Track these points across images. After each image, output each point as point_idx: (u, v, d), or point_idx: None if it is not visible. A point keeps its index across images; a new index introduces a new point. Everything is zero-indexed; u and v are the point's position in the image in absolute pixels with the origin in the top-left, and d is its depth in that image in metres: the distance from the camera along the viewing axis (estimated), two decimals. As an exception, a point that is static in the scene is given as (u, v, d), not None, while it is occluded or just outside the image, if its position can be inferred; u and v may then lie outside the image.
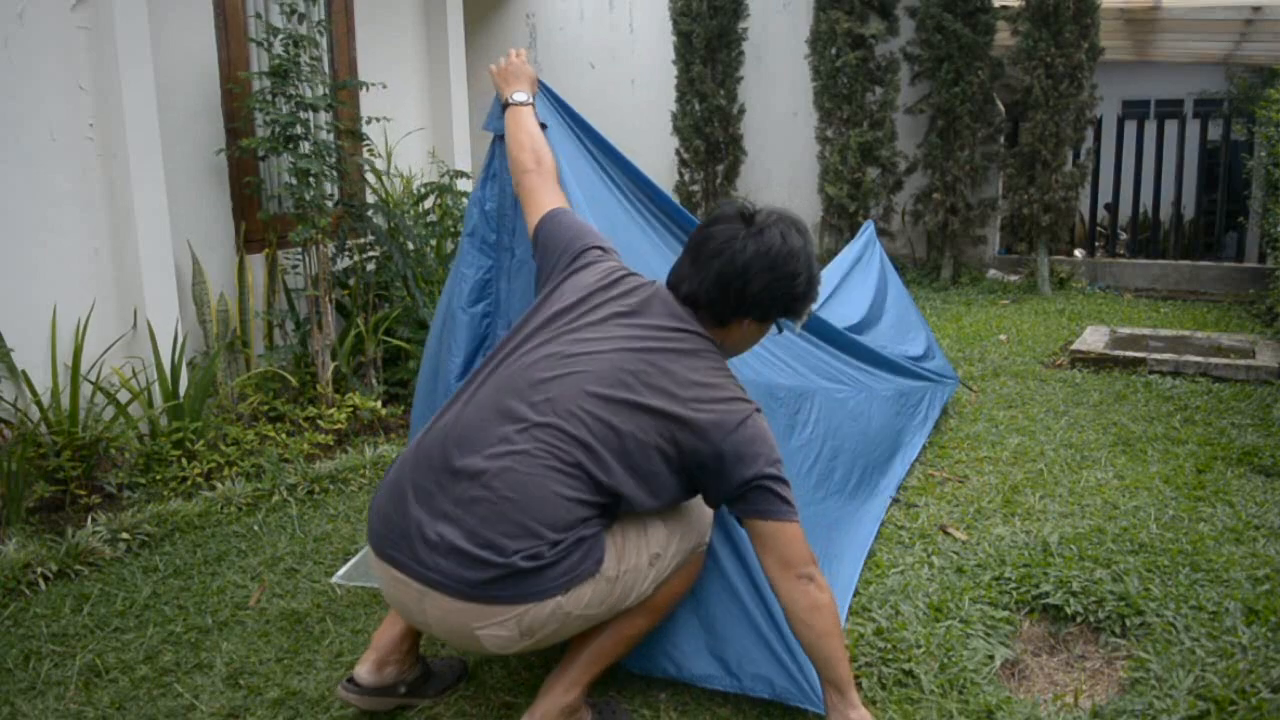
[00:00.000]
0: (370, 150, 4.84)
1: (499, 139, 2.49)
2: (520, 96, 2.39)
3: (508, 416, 1.82)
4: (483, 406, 1.87)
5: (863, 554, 2.81)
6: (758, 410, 1.91)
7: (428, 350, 2.68)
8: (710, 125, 8.64)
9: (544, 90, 2.51)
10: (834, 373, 3.27)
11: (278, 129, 4.26)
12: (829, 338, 3.38)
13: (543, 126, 2.42)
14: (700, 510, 2.07)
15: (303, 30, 4.34)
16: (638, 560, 1.90)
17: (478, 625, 1.77)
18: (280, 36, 4.26)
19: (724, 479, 1.86)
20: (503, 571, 1.72)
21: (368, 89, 4.77)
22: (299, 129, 4.30)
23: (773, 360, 2.89)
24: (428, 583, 1.77)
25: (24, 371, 3.47)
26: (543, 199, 2.24)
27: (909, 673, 2.23)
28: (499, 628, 1.76)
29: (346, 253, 4.73)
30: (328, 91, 4.57)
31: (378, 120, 4.78)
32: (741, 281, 1.92)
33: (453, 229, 4.98)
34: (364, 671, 2.12)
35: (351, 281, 4.77)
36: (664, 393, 1.85)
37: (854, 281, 4.21)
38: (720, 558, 2.18)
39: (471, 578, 1.73)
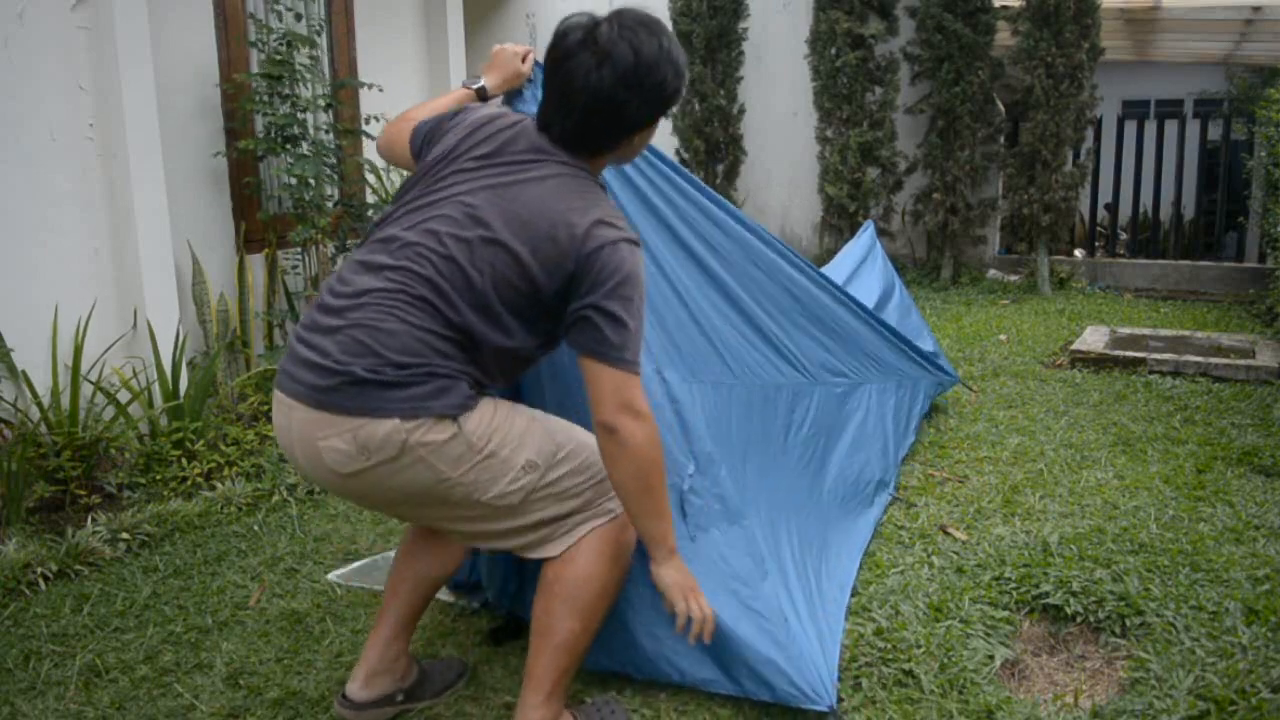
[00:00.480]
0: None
1: None
2: (478, 83, 2.33)
3: (370, 267, 1.85)
4: (353, 264, 1.90)
5: (860, 552, 2.81)
6: (629, 242, 1.81)
7: None
8: (710, 125, 8.64)
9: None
10: (835, 364, 3.25)
11: (275, 130, 4.26)
12: (837, 311, 3.33)
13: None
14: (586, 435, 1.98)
15: (302, 30, 4.34)
16: (509, 453, 1.84)
17: (320, 437, 1.77)
18: (274, 37, 4.26)
19: (566, 305, 1.80)
20: (344, 379, 1.75)
21: (368, 89, 4.77)
22: (296, 129, 4.29)
23: (771, 354, 2.87)
24: (293, 395, 1.81)
25: (24, 372, 3.47)
26: (405, 127, 2.15)
27: (909, 673, 2.23)
28: (337, 439, 1.76)
29: (347, 252, 4.73)
30: (326, 91, 4.57)
31: (377, 119, 4.78)
32: (612, 109, 1.86)
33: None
34: (356, 688, 2.10)
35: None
36: (517, 222, 1.81)
37: (859, 284, 4.21)
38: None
39: (320, 384, 1.77)
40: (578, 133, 1.89)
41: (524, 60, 2.37)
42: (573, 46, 1.87)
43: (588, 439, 1.95)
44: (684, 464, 2.31)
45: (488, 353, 1.83)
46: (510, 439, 1.85)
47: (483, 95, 2.35)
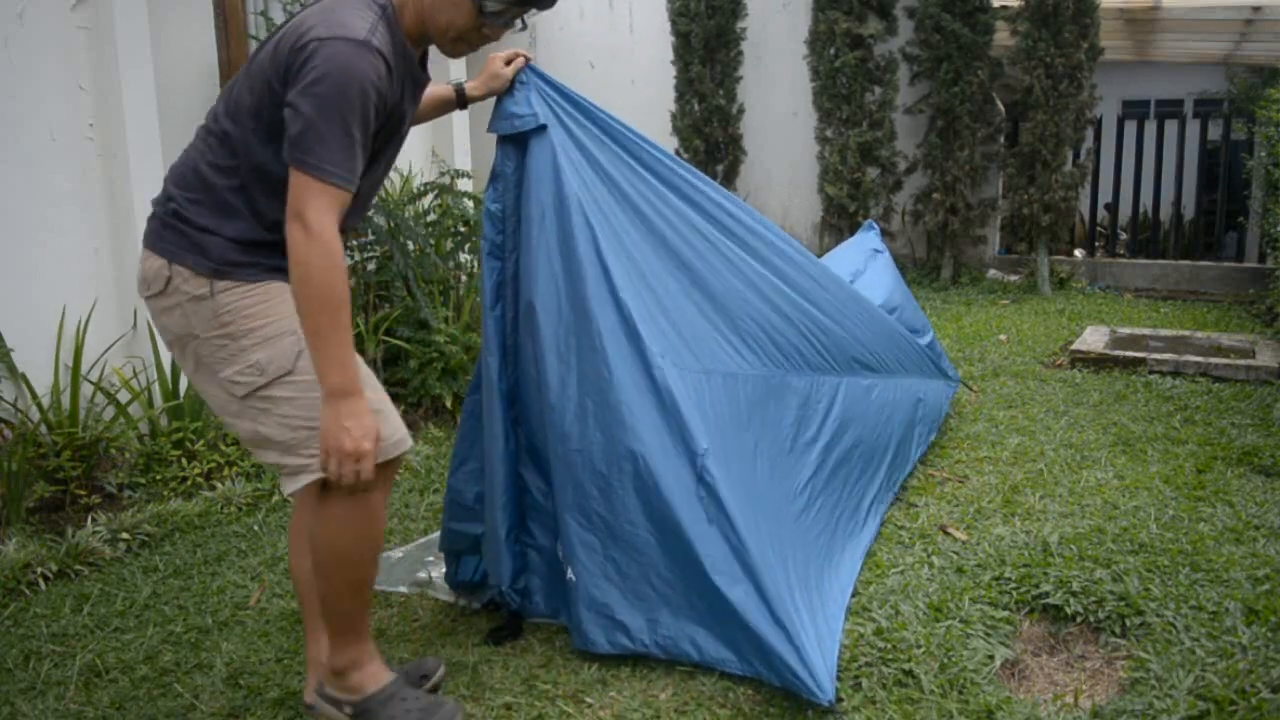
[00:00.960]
0: None
1: (503, 140, 2.50)
2: (459, 82, 2.43)
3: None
4: None
5: (863, 552, 2.81)
6: (344, 40, 1.73)
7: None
8: (709, 125, 8.64)
9: (551, 92, 2.52)
10: (864, 357, 3.23)
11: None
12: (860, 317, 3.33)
13: (541, 128, 2.45)
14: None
15: None
16: (248, 344, 1.84)
17: (141, 269, 1.92)
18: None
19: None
20: (153, 224, 1.91)
21: None
22: None
23: (800, 341, 2.88)
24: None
25: (24, 372, 3.47)
26: None
27: (909, 673, 2.23)
28: (146, 267, 1.90)
29: (347, 252, 4.73)
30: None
31: None
32: None
33: (452, 229, 4.98)
34: (308, 695, 2.09)
35: (351, 281, 4.77)
36: (276, 44, 1.83)
37: (867, 281, 4.19)
38: (725, 556, 2.25)
39: (147, 230, 1.93)
40: None
41: (509, 64, 2.43)
42: None
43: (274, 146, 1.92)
44: (694, 448, 2.35)
45: (255, 176, 1.84)
46: (256, 333, 1.84)
47: (460, 94, 2.43)
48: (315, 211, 1.72)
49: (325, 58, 1.71)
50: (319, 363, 1.76)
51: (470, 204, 5.01)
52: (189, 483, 3.55)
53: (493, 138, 2.53)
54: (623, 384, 2.37)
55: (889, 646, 2.33)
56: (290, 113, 1.73)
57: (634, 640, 2.30)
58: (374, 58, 1.76)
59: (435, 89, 2.33)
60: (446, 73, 5.85)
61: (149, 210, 1.95)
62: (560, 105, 2.53)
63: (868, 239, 4.52)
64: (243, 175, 1.85)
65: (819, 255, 3.77)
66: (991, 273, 8.21)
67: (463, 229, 4.99)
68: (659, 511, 2.31)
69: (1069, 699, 2.18)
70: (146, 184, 3.79)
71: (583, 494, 2.37)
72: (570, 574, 2.37)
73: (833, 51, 7.88)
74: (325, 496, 1.87)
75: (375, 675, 2.01)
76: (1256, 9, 7.26)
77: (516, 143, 2.51)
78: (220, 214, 1.85)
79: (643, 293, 2.49)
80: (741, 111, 8.78)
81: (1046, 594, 2.57)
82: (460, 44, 1.98)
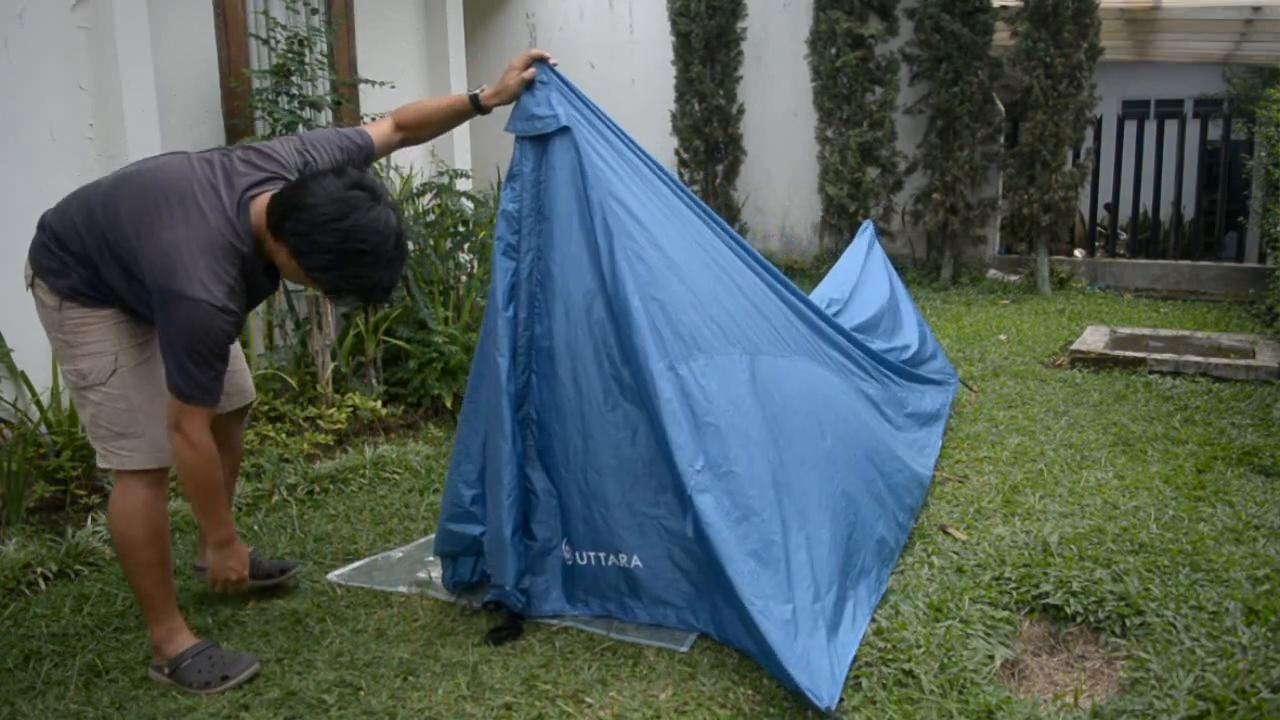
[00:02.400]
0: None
1: (522, 141, 2.51)
2: (477, 89, 2.56)
3: None
4: None
5: (893, 559, 2.82)
6: (213, 308, 2.08)
7: (476, 352, 2.69)
8: (710, 125, 8.64)
9: (570, 96, 2.55)
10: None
11: (280, 128, 4.26)
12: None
13: (564, 130, 2.49)
14: (148, 413, 2.29)
15: (314, 24, 4.35)
16: (76, 353, 2.25)
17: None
18: (287, 35, 4.27)
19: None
20: (36, 236, 2.35)
21: (377, 85, 4.77)
22: (301, 128, 4.30)
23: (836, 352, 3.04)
24: None
25: (24, 372, 3.47)
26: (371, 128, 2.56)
27: (909, 673, 2.23)
28: (26, 267, 2.35)
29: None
30: (329, 89, 4.57)
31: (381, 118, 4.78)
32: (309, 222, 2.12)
33: (451, 229, 4.98)
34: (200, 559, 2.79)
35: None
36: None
37: (865, 282, 4.20)
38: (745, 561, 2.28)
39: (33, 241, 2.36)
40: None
41: (525, 70, 2.51)
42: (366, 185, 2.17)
43: (127, 409, 2.28)
44: (692, 458, 2.35)
45: (107, 263, 2.21)
46: (85, 348, 2.25)
47: (476, 102, 2.51)
48: (190, 426, 2.17)
49: (184, 316, 2.09)
50: (205, 524, 2.35)
51: (469, 204, 5.01)
52: (189, 483, 3.54)
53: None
54: (655, 382, 2.39)
55: (889, 646, 2.33)
56: (161, 342, 2.15)
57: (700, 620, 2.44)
58: (226, 316, 2.13)
59: (449, 100, 2.53)
60: (447, 71, 5.86)
61: None
62: (580, 106, 2.56)
63: (861, 244, 4.55)
64: (96, 260, 2.22)
65: (819, 254, 3.84)
66: (991, 273, 8.21)
67: (461, 229, 4.98)
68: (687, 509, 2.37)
69: (1069, 699, 2.18)
70: (146, 184, 3.79)
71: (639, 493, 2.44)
72: (635, 562, 2.46)
73: (833, 51, 7.88)
74: (114, 493, 2.32)
75: (184, 639, 2.37)
76: (1256, 9, 7.26)
77: (536, 143, 2.52)
78: (77, 263, 2.23)
79: (677, 287, 2.53)
80: (742, 111, 8.78)
81: (1046, 594, 2.57)
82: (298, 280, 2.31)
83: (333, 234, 2.10)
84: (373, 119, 4.69)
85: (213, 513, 2.30)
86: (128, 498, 2.30)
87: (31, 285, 2.30)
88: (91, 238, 2.20)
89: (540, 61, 2.52)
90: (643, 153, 2.67)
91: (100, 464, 2.35)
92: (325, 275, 2.17)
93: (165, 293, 2.09)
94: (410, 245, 4.75)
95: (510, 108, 2.57)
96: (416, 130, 2.60)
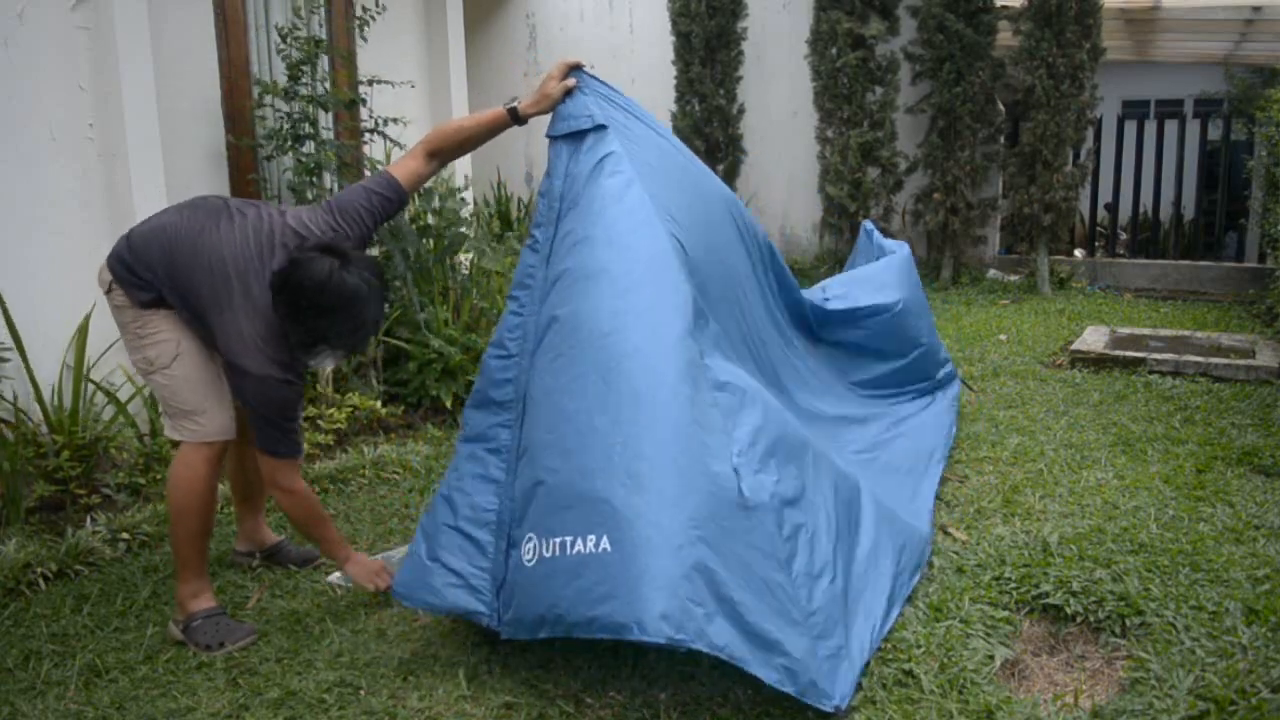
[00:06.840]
0: (389, 142, 4.82)
1: (554, 140, 2.54)
2: (512, 103, 2.62)
3: None
4: None
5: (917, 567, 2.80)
6: (279, 381, 2.42)
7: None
8: (710, 125, 8.64)
9: (605, 94, 2.58)
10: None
11: (287, 128, 4.26)
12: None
13: (600, 128, 2.50)
14: (208, 393, 2.55)
15: (321, 34, 4.36)
16: (144, 344, 2.53)
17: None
18: (299, 38, 4.28)
19: None
20: (119, 244, 2.61)
21: (395, 86, 4.76)
22: (308, 128, 4.30)
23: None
24: None
25: (24, 371, 3.47)
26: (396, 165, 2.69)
27: (909, 673, 2.23)
28: (101, 271, 2.63)
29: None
30: (328, 90, 4.57)
31: (395, 122, 4.77)
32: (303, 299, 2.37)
33: (451, 230, 4.97)
34: (238, 544, 3.06)
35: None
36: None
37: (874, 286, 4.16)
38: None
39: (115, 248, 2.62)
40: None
41: (562, 80, 2.54)
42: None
43: (189, 389, 2.53)
44: (729, 445, 2.25)
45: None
46: (152, 338, 2.52)
47: (514, 114, 2.59)
48: (282, 477, 2.55)
49: (254, 389, 2.44)
50: (326, 553, 2.77)
51: (469, 206, 5.01)
52: (189, 483, 3.55)
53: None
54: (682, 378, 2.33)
55: (889, 646, 2.33)
56: (250, 413, 2.51)
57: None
58: (288, 385, 2.46)
59: (488, 117, 2.61)
60: (447, 71, 5.86)
61: (149, 210, 2.10)
62: (618, 107, 2.58)
63: (871, 248, 4.50)
64: (168, 296, 2.52)
65: (819, 254, 3.85)
66: (992, 273, 8.21)
67: (462, 231, 4.98)
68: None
69: (1069, 699, 2.18)
70: (146, 184, 3.79)
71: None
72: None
73: (834, 51, 7.88)
74: (175, 461, 2.56)
75: (205, 601, 2.59)
76: (1256, 9, 7.26)
77: (571, 142, 2.52)
78: (153, 286, 2.52)
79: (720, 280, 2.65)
80: (742, 111, 8.77)
81: (1046, 594, 2.57)
82: None
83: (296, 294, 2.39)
84: (380, 121, 4.72)
85: (325, 544, 2.69)
86: (186, 468, 2.53)
87: (109, 291, 2.56)
88: (169, 285, 2.48)
89: (578, 69, 2.54)
90: (684, 150, 2.75)
91: (167, 434, 2.64)
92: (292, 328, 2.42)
93: (234, 367, 2.44)
94: (410, 248, 4.77)
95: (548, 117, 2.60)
96: (456, 153, 2.69)
